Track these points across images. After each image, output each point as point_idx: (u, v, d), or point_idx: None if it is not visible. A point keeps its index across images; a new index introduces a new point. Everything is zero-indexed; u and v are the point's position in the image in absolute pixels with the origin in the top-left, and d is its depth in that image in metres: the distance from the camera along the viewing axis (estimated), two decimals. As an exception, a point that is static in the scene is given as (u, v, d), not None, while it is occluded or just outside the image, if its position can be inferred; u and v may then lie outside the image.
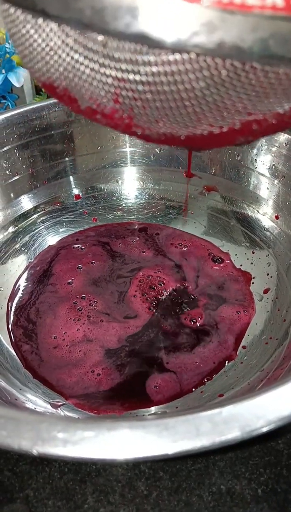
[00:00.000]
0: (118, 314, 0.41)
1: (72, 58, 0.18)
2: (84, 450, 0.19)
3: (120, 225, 0.50)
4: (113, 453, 0.19)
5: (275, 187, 0.44)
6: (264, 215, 0.46)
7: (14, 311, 0.41)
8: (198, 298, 0.42)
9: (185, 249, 0.47)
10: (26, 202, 0.47)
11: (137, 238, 0.48)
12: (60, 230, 0.49)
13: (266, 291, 0.42)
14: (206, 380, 0.36)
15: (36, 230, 0.47)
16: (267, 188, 0.45)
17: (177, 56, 0.16)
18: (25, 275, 0.44)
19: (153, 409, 0.34)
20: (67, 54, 0.18)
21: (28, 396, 0.33)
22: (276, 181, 0.44)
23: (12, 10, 0.18)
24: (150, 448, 0.19)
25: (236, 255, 0.47)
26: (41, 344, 0.38)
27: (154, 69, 0.16)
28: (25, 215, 0.47)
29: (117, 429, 0.19)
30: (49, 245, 0.47)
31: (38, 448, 0.19)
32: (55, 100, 0.46)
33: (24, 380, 0.35)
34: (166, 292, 0.43)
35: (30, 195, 0.47)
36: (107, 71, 0.17)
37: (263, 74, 0.16)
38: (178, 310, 0.41)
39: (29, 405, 0.32)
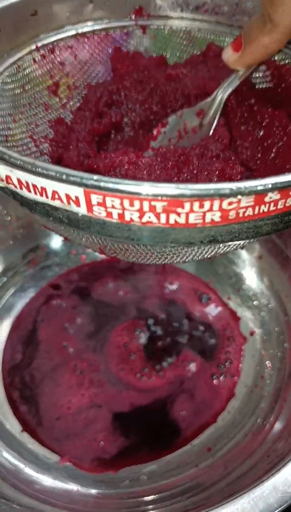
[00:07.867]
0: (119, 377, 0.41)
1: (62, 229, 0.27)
2: None
3: (106, 262, 0.51)
4: None
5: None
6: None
7: (8, 370, 0.42)
8: (186, 346, 0.43)
9: (174, 285, 0.48)
10: (14, 250, 0.48)
11: (121, 280, 0.49)
12: (49, 274, 0.49)
13: (252, 333, 0.44)
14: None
15: (25, 279, 0.48)
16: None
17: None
18: (14, 330, 0.44)
19: (151, 466, 0.36)
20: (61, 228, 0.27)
21: (27, 471, 0.35)
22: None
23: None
24: None
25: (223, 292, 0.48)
26: (43, 414, 0.39)
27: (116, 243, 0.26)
28: (13, 265, 0.48)
29: None
30: (37, 292, 0.47)
31: None
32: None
33: (21, 446, 0.37)
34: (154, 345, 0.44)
35: (16, 243, 0.48)
36: (89, 240, 0.27)
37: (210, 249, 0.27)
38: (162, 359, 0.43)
39: (28, 471, 0.35)
